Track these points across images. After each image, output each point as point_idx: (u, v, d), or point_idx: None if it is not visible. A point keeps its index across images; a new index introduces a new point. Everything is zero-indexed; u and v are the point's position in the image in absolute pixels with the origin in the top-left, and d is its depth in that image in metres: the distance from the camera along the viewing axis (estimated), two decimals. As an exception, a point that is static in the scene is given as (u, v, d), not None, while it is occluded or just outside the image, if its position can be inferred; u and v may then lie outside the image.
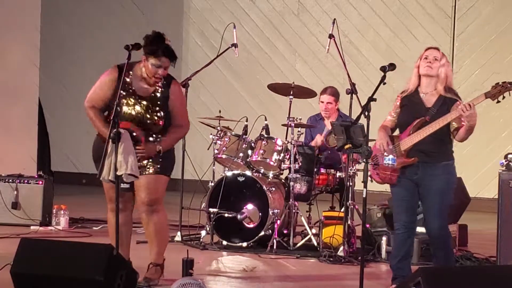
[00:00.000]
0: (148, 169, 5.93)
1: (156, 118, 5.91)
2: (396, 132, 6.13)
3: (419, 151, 5.90)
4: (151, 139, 5.91)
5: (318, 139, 8.32)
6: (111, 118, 5.63)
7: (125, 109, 5.88)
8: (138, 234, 7.53)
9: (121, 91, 5.81)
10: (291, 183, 7.87)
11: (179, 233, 8.03)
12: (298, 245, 7.78)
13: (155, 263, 6.08)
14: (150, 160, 5.92)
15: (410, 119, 5.94)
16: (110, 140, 5.60)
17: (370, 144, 5.79)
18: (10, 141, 10.17)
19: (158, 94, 5.94)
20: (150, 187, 5.94)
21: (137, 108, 5.90)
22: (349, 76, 7.87)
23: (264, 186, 7.79)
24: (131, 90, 5.92)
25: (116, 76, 5.88)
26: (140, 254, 6.31)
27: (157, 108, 5.92)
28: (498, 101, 5.74)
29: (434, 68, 5.90)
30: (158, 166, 5.94)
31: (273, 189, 7.93)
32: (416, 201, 6.04)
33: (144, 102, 5.91)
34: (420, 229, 6.54)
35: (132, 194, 6.05)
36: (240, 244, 7.75)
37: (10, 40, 10.25)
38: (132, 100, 5.91)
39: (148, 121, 5.90)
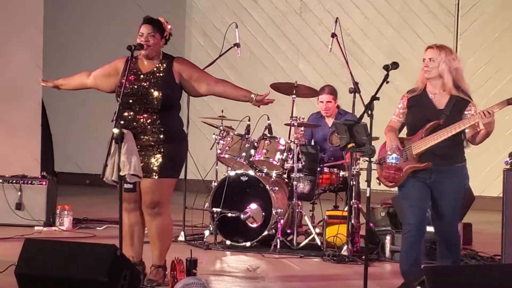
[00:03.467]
0: (152, 172, 5.92)
1: (156, 93, 5.91)
2: (402, 134, 5.99)
3: (434, 155, 5.73)
4: (149, 121, 5.91)
5: None
6: (115, 119, 5.64)
7: (129, 87, 5.91)
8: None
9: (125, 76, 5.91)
10: (294, 183, 7.86)
11: (182, 233, 8.03)
12: (302, 244, 7.77)
13: (156, 265, 6.08)
14: (154, 162, 5.91)
15: (421, 122, 5.77)
16: (113, 140, 5.61)
17: (373, 143, 5.77)
18: (14, 142, 10.16)
19: (158, 73, 5.97)
20: (153, 190, 5.93)
21: (139, 83, 5.95)
22: (352, 75, 7.86)
23: (267, 185, 7.79)
24: (134, 71, 6.00)
25: (123, 65, 6.02)
26: (143, 255, 6.29)
27: (157, 85, 5.93)
28: None
29: (432, 69, 5.75)
30: (162, 168, 5.91)
31: (276, 188, 7.92)
32: (427, 204, 5.82)
33: (145, 77, 5.95)
34: (428, 228, 6.40)
35: (140, 194, 6.03)
36: (243, 243, 7.75)
37: (13, 42, 10.24)
38: (134, 77, 5.96)
39: (150, 97, 5.91)
